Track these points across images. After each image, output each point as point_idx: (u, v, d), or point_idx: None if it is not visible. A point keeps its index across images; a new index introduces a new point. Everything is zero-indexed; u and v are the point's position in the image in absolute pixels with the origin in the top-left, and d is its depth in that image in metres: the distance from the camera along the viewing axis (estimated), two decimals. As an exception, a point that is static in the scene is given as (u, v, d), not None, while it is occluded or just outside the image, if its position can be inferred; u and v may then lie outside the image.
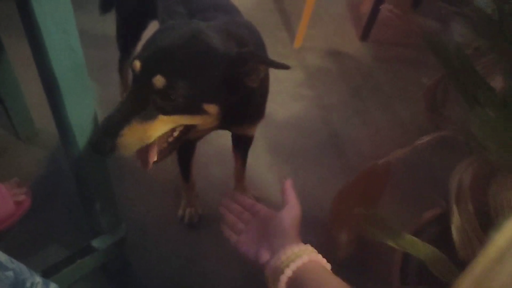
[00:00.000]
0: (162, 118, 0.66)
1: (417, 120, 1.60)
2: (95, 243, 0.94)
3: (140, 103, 0.64)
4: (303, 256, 0.54)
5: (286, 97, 1.64)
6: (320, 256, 0.56)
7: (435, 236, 0.90)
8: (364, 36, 2.12)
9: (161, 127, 0.67)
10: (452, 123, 0.96)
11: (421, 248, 0.73)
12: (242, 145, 1.11)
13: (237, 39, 0.72)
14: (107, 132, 0.63)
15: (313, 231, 1.14)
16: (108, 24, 1.39)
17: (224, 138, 1.17)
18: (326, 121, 1.57)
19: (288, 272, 0.53)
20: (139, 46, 1.34)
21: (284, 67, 0.65)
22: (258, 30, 0.90)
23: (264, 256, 0.58)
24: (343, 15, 2.34)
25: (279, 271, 0.54)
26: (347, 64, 1.94)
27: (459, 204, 0.73)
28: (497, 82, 0.72)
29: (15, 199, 0.98)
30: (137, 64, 0.64)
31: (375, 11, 2.02)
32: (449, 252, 0.73)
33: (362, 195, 1.02)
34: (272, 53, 2.08)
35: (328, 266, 0.56)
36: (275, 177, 1.31)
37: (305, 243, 0.57)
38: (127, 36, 1.29)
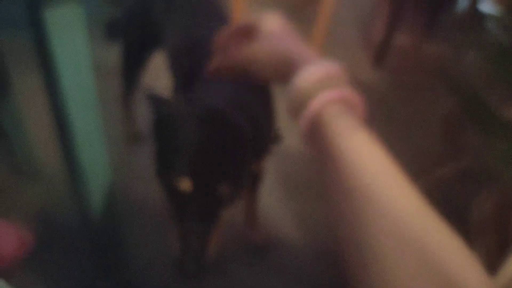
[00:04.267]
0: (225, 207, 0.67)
1: (434, 149, 1.63)
2: (99, 283, 0.97)
3: (204, 212, 0.63)
4: (333, 89, 0.44)
5: (296, 128, 1.68)
6: (353, 93, 0.46)
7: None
8: (377, 62, 2.18)
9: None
10: (470, 153, 0.98)
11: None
12: (251, 184, 1.12)
13: (246, 111, 0.73)
14: (196, 258, 0.63)
15: (325, 266, 1.16)
16: (110, 57, 1.47)
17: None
18: (339, 151, 1.60)
19: (310, 113, 0.44)
20: (145, 79, 1.41)
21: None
22: None
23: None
24: (354, 42, 2.42)
25: (302, 106, 0.45)
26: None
27: (479, 237, 0.74)
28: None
29: (19, 237, 1.01)
30: (186, 181, 0.61)
31: (387, 37, 2.10)
32: None
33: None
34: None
35: (360, 103, 0.46)
36: (287, 211, 1.33)
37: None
38: (132, 66, 1.35)
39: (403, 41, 2.40)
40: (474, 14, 2.66)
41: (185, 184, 0.60)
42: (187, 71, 0.95)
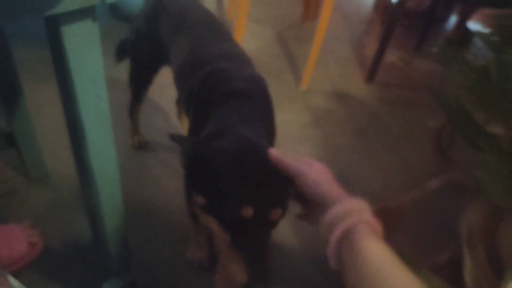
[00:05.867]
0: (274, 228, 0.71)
1: (425, 162, 1.65)
2: (106, 285, 0.97)
3: (261, 234, 0.68)
4: (354, 215, 0.57)
5: (294, 139, 1.70)
6: (372, 218, 0.58)
7: (450, 279, 0.92)
8: (369, 78, 2.21)
9: None
10: (459, 165, 1.00)
11: (439, 285, 0.75)
12: None
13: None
14: (263, 277, 0.66)
15: (324, 269, 1.16)
16: (118, 69, 1.48)
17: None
18: (333, 162, 1.62)
19: (341, 228, 0.56)
20: (151, 91, 1.43)
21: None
22: (266, 89, 0.96)
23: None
24: (348, 58, 2.45)
25: (337, 220, 0.57)
26: (353, 106, 2.01)
27: (470, 248, 0.75)
28: (499, 128, 0.77)
29: (28, 240, 1.01)
30: (249, 210, 0.65)
31: (379, 54, 2.12)
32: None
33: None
34: (279, 96, 2.17)
35: (380, 229, 0.59)
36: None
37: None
38: (139, 81, 1.37)
39: (394, 57, 2.43)
40: (464, 32, 2.71)
41: (248, 211, 0.65)
42: (190, 86, 0.97)
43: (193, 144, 0.71)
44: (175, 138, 0.69)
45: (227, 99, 0.87)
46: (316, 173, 0.64)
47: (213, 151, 0.70)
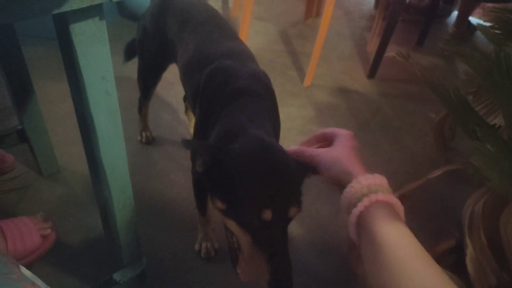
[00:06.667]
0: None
1: (427, 153, 1.64)
2: (117, 276, 0.98)
3: (280, 232, 0.67)
4: (376, 194, 0.53)
5: (298, 134, 1.70)
6: (390, 196, 0.54)
7: (450, 267, 0.92)
8: (371, 74, 2.20)
9: None
10: (461, 155, 0.99)
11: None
12: None
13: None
14: (286, 275, 0.66)
15: (329, 261, 1.17)
16: (128, 67, 1.49)
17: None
18: (337, 155, 1.61)
19: (360, 207, 0.52)
20: (159, 88, 1.43)
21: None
22: (267, 82, 0.95)
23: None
24: (350, 54, 2.44)
25: (352, 204, 0.54)
26: (355, 100, 2.00)
27: (472, 236, 0.75)
28: (500, 119, 0.77)
29: (41, 233, 1.02)
30: (269, 213, 0.65)
31: (381, 50, 2.11)
32: (465, 282, 0.74)
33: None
34: (283, 91, 2.16)
35: (401, 208, 0.54)
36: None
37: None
38: (147, 78, 1.37)
39: (394, 52, 2.41)
40: (466, 26, 2.68)
41: (268, 213, 0.64)
42: (195, 84, 0.97)
43: (208, 149, 0.70)
44: (188, 144, 0.67)
45: (233, 97, 0.86)
46: (331, 155, 0.61)
47: (230, 156, 0.68)
